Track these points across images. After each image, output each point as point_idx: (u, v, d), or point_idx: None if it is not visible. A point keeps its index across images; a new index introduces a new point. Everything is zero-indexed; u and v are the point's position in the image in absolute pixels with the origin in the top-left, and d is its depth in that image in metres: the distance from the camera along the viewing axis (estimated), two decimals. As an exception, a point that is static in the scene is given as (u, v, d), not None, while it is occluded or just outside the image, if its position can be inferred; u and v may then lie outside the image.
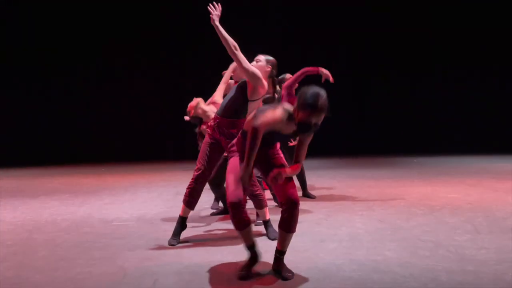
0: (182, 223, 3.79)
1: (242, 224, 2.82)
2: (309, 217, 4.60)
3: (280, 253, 2.92)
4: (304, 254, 3.31)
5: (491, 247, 3.39)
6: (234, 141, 3.06)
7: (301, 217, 4.60)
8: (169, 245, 3.65)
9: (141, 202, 5.68)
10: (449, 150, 11.15)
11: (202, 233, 4.10)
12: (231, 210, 2.78)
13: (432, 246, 3.46)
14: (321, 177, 7.45)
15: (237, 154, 2.95)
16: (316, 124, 2.67)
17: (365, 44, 12.18)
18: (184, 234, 3.97)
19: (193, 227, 4.27)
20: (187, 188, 3.77)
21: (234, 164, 2.91)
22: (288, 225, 2.85)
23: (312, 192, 5.82)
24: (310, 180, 6.04)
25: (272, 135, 2.83)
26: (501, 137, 11.46)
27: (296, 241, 3.64)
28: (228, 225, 4.29)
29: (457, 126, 11.91)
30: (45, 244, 3.80)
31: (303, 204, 5.23)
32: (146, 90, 12.14)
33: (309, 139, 2.90)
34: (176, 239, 3.72)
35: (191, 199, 3.76)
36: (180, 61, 12.23)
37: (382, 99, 12.31)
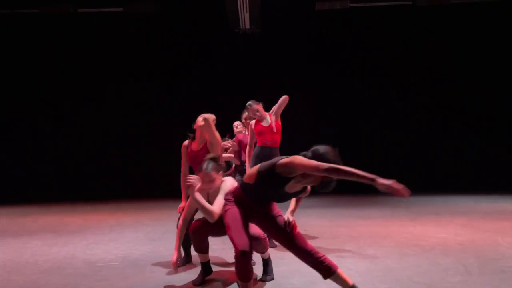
0: (204, 268, 3.77)
1: (248, 276, 2.85)
2: (299, 258, 4.49)
3: None
4: (294, 297, 3.22)
5: (484, 289, 3.34)
6: (232, 190, 3.13)
7: (290, 258, 4.55)
8: (193, 284, 3.61)
9: (127, 242, 5.54)
10: (436, 189, 11.18)
11: (193, 275, 3.97)
12: (240, 259, 2.79)
13: (425, 288, 3.40)
14: (310, 216, 7.38)
15: (234, 205, 3.02)
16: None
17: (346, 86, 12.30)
18: (172, 277, 3.86)
19: (183, 270, 4.15)
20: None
21: (233, 215, 2.96)
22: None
23: (301, 231, 5.72)
24: (300, 219, 5.96)
25: (278, 192, 2.90)
26: (488, 176, 11.56)
27: (286, 282, 3.57)
28: (216, 266, 4.18)
29: (444, 165, 12.01)
30: (25, 286, 3.67)
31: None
32: (133, 126, 12.09)
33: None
34: (199, 281, 3.69)
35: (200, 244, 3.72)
36: (167, 99, 12.23)
37: (369, 138, 12.40)
